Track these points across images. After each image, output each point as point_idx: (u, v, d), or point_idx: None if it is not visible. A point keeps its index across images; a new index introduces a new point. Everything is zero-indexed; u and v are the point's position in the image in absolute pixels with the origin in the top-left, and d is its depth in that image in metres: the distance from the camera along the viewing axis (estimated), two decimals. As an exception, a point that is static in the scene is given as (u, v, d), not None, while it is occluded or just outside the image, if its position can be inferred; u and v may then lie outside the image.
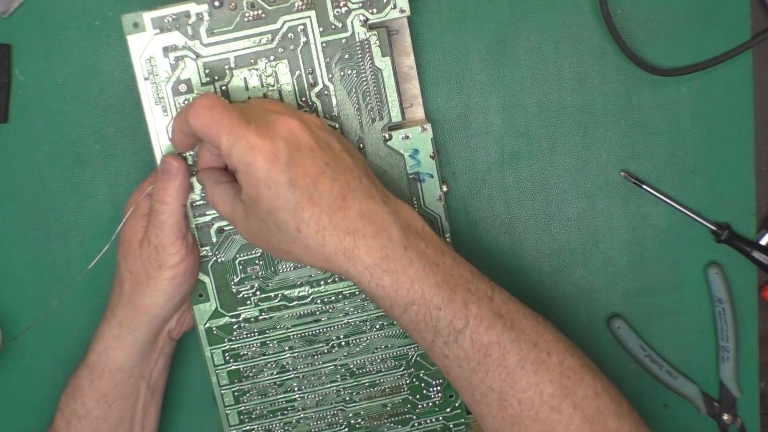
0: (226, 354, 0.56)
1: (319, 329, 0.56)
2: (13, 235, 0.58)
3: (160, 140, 0.52)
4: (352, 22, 0.52)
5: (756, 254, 0.59)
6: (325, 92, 0.53)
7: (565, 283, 0.61)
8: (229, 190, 0.49)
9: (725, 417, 0.62)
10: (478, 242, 0.60)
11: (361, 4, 0.52)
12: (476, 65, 0.58)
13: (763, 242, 0.60)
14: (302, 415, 0.57)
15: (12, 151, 0.57)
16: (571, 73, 0.59)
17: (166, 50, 0.52)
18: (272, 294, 0.55)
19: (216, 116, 0.46)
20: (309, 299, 0.56)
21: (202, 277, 0.54)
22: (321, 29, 0.52)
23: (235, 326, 0.55)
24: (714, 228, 0.60)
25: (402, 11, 0.52)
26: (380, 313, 0.56)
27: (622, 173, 0.60)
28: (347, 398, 0.57)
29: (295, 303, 0.55)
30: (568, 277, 0.61)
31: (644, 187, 0.59)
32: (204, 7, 0.51)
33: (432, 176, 0.55)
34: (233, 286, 0.55)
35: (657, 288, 0.61)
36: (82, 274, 0.55)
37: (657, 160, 0.60)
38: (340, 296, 0.56)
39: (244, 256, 0.55)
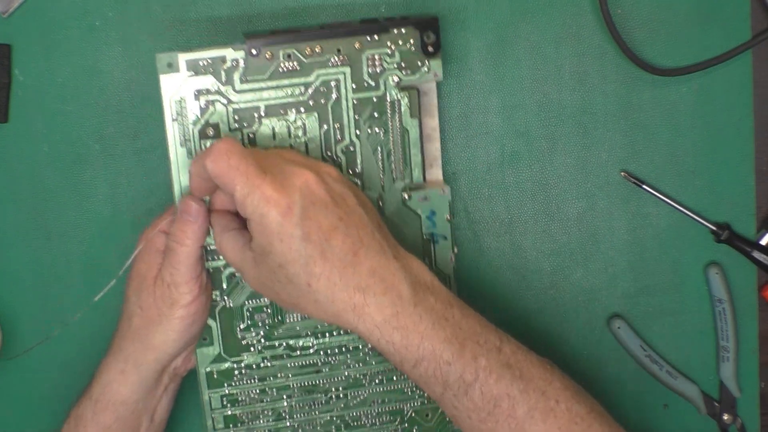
0: (224, 399, 0.56)
1: (319, 380, 0.56)
2: (13, 235, 0.58)
3: (182, 181, 0.52)
4: (384, 81, 0.53)
5: (756, 254, 0.59)
6: (351, 148, 0.54)
7: (565, 283, 0.61)
8: (238, 237, 0.49)
9: (725, 417, 0.62)
10: (478, 242, 0.60)
11: (396, 65, 0.53)
12: (476, 65, 0.58)
13: (763, 242, 0.60)
14: None
15: (12, 151, 0.57)
16: (571, 73, 0.59)
17: (198, 93, 0.52)
18: (276, 343, 0.56)
19: (233, 163, 0.45)
20: (312, 350, 0.56)
21: (209, 321, 0.55)
22: (354, 86, 0.53)
23: (236, 372, 0.56)
24: (714, 228, 0.60)
25: (435, 75, 0.53)
26: (380, 369, 0.57)
27: (622, 173, 0.60)
28: None
29: (298, 353, 0.56)
30: (568, 277, 0.61)
31: (644, 187, 0.59)
32: (240, 54, 0.52)
33: (446, 238, 0.55)
34: (239, 332, 0.55)
35: (657, 288, 0.61)
36: (88, 305, 0.54)
37: (657, 160, 0.60)
38: (344, 349, 0.56)
39: (252, 303, 0.55)
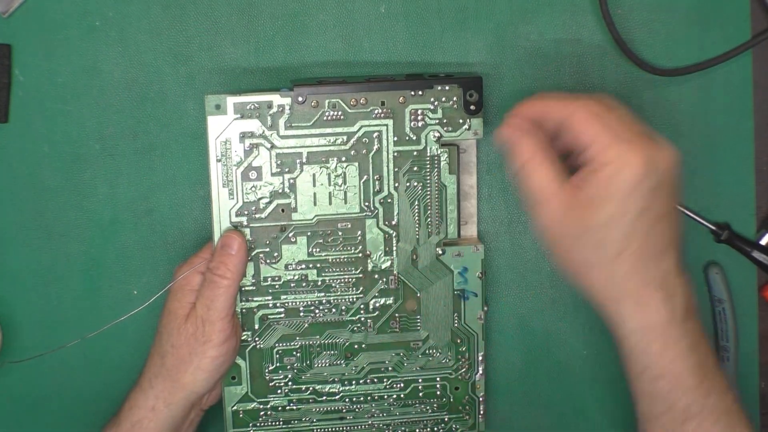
0: None
1: (342, 427, 0.57)
2: (13, 235, 0.58)
3: (221, 222, 0.53)
4: (426, 136, 0.54)
5: (756, 254, 0.59)
6: (389, 200, 0.54)
7: (565, 283, 0.60)
8: (553, 167, 0.45)
9: (725, 417, 0.61)
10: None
11: (437, 121, 0.54)
12: (476, 65, 0.58)
13: (763, 242, 0.60)
14: None
15: (12, 151, 0.57)
16: (571, 73, 0.59)
17: (243, 136, 0.53)
18: (303, 387, 0.56)
19: (612, 116, 0.44)
20: (338, 397, 0.57)
21: (239, 360, 0.55)
22: (395, 138, 0.54)
23: (261, 413, 0.56)
24: (714, 228, 0.60)
25: (475, 134, 0.54)
26: (404, 420, 0.57)
27: (622, 173, 0.59)
28: None
29: (324, 398, 0.57)
30: (568, 277, 0.61)
31: (644, 187, 0.59)
32: (287, 101, 0.53)
33: (476, 295, 0.56)
34: (267, 374, 0.56)
35: (657, 288, 0.61)
36: (99, 330, 0.55)
37: (657, 160, 0.60)
38: (369, 398, 0.57)
39: (283, 346, 0.56)
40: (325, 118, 0.53)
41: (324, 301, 0.55)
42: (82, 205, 0.58)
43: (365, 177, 0.54)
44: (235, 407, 0.56)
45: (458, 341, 0.57)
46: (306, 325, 0.55)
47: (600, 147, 0.44)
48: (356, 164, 0.54)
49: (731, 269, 0.61)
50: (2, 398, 0.59)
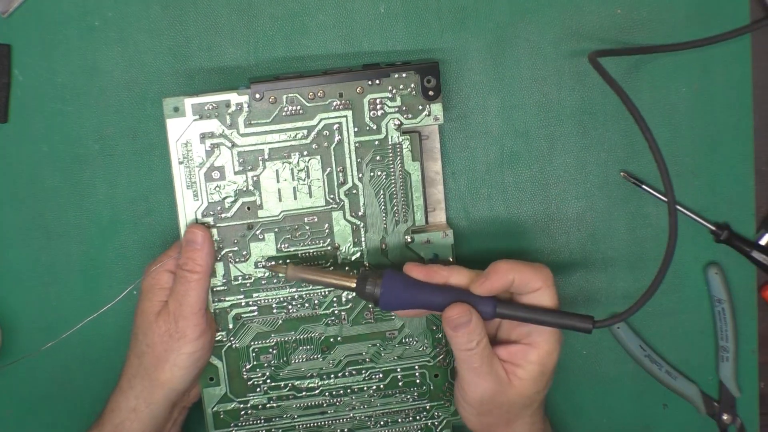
0: None
1: (324, 421, 0.57)
2: (13, 235, 0.58)
3: (187, 222, 0.53)
4: (386, 125, 0.54)
5: (756, 254, 0.59)
6: (354, 191, 0.54)
7: (565, 283, 0.61)
8: (495, 362, 0.52)
9: (725, 417, 0.62)
10: (477, 242, 0.60)
11: (397, 109, 0.54)
12: (476, 65, 0.58)
13: (762, 242, 0.60)
14: None
15: (12, 151, 0.57)
16: (571, 73, 0.59)
17: (203, 137, 0.53)
18: (282, 383, 0.56)
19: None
20: (317, 391, 0.57)
21: (215, 361, 0.55)
22: (356, 129, 0.54)
23: (242, 412, 0.56)
24: (714, 228, 0.60)
25: (436, 119, 0.54)
26: (385, 411, 0.57)
27: (622, 173, 0.60)
28: None
29: (303, 394, 0.56)
30: (568, 277, 0.61)
31: (644, 187, 0.59)
32: (244, 98, 0.53)
33: None
34: (245, 373, 0.56)
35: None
36: (85, 319, 0.56)
37: (657, 160, 0.60)
38: (349, 390, 0.57)
39: (258, 344, 0.55)
40: (284, 113, 0.53)
41: (296, 297, 0.55)
42: (82, 205, 0.58)
43: (328, 170, 0.54)
44: (215, 408, 0.56)
45: (434, 328, 0.56)
46: (280, 321, 0.55)
47: (549, 332, 0.51)
48: (318, 157, 0.54)
49: (731, 269, 0.61)
50: (1, 398, 0.59)
